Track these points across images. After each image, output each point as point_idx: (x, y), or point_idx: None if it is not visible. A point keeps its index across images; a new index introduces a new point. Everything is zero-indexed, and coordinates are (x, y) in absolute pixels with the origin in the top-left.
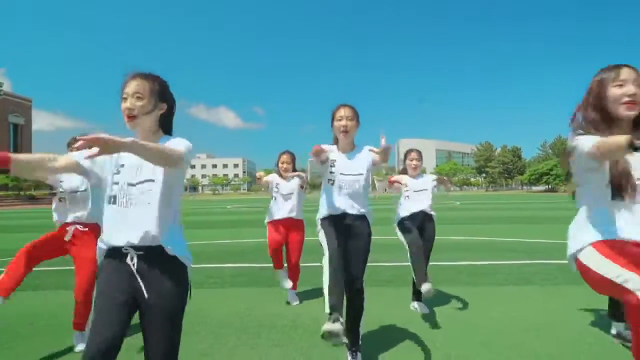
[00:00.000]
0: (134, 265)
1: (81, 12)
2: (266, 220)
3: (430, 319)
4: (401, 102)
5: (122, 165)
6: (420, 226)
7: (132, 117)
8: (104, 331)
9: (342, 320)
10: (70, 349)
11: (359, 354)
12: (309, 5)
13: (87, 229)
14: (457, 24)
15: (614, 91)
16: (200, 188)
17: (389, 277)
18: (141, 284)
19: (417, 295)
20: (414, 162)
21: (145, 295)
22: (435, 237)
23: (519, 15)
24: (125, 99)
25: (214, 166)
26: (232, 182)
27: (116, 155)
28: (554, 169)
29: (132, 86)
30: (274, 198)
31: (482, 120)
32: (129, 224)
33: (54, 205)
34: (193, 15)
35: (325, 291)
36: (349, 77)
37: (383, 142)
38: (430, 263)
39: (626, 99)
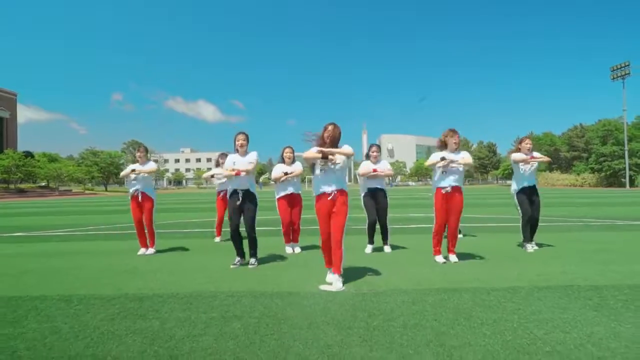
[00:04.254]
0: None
1: (55, 8)
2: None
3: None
4: (383, 98)
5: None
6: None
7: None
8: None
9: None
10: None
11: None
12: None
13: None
14: (440, 20)
15: (450, 140)
16: (184, 182)
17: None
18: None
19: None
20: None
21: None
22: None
23: (499, 12)
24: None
25: (198, 160)
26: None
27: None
28: None
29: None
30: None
31: (460, 117)
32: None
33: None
34: (170, 8)
35: None
36: (331, 72)
37: (365, 136)
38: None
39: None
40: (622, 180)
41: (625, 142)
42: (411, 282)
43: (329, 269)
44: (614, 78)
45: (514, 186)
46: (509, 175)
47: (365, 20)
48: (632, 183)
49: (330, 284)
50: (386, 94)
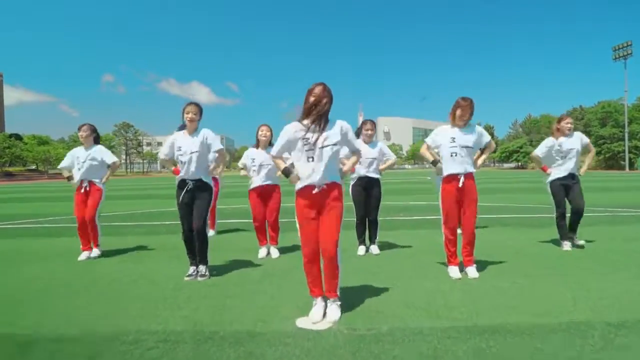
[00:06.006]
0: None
1: None
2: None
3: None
4: (379, 81)
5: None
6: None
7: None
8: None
9: None
10: None
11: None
12: None
13: None
14: (438, 3)
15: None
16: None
17: None
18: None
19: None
20: (369, 131)
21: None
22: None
23: None
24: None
25: None
26: None
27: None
28: (524, 147)
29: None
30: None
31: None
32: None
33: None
34: None
35: None
36: (327, 55)
37: (360, 118)
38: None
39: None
40: (622, 163)
41: (626, 124)
42: (426, 313)
43: (315, 297)
44: (615, 58)
45: (550, 176)
46: (505, 158)
47: (364, 3)
48: (631, 166)
49: (318, 320)
50: (383, 77)
